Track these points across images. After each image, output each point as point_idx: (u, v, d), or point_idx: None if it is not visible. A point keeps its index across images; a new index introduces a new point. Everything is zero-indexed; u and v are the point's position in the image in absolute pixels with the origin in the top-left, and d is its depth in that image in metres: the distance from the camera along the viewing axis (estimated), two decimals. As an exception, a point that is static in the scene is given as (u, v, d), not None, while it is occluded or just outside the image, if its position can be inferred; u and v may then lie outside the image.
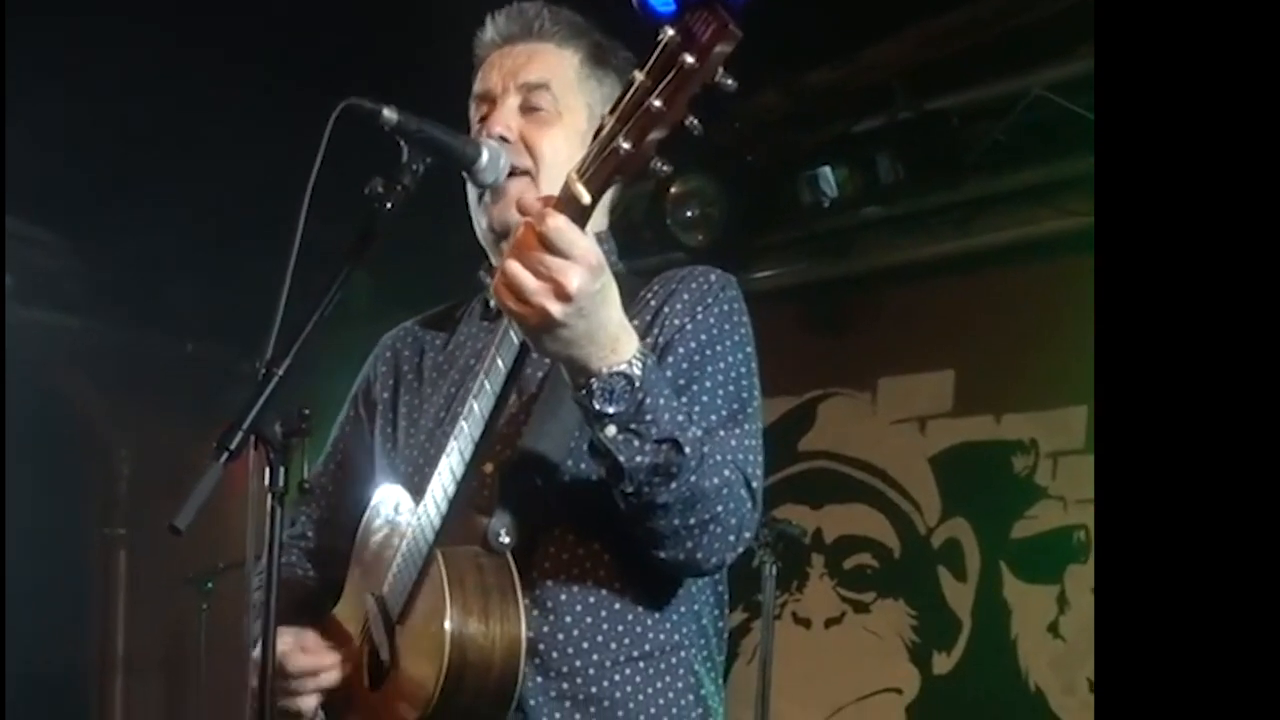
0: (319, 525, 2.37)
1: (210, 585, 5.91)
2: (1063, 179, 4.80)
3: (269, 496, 1.79)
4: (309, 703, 2.11)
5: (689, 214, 5.19)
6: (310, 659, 2.10)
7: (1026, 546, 5.19)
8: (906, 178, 4.96)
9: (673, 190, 5.14)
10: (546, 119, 2.11)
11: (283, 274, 1.86)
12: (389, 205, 1.93)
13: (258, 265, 6.28)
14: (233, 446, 1.74)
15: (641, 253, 5.13)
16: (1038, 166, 4.89)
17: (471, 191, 2.16)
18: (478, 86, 2.17)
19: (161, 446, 7.30)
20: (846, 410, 5.79)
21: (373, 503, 2.17)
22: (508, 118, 2.10)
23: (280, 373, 1.80)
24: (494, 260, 2.19)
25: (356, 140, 1.88)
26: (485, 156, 2.04)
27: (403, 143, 1.96)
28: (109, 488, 7.64)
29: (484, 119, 2.14)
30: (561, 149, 2.09)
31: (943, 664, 5.42)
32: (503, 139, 2.08)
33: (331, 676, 2.12)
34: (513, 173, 2.08)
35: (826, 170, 5.09)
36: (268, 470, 1.79)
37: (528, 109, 2.11)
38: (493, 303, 2.14)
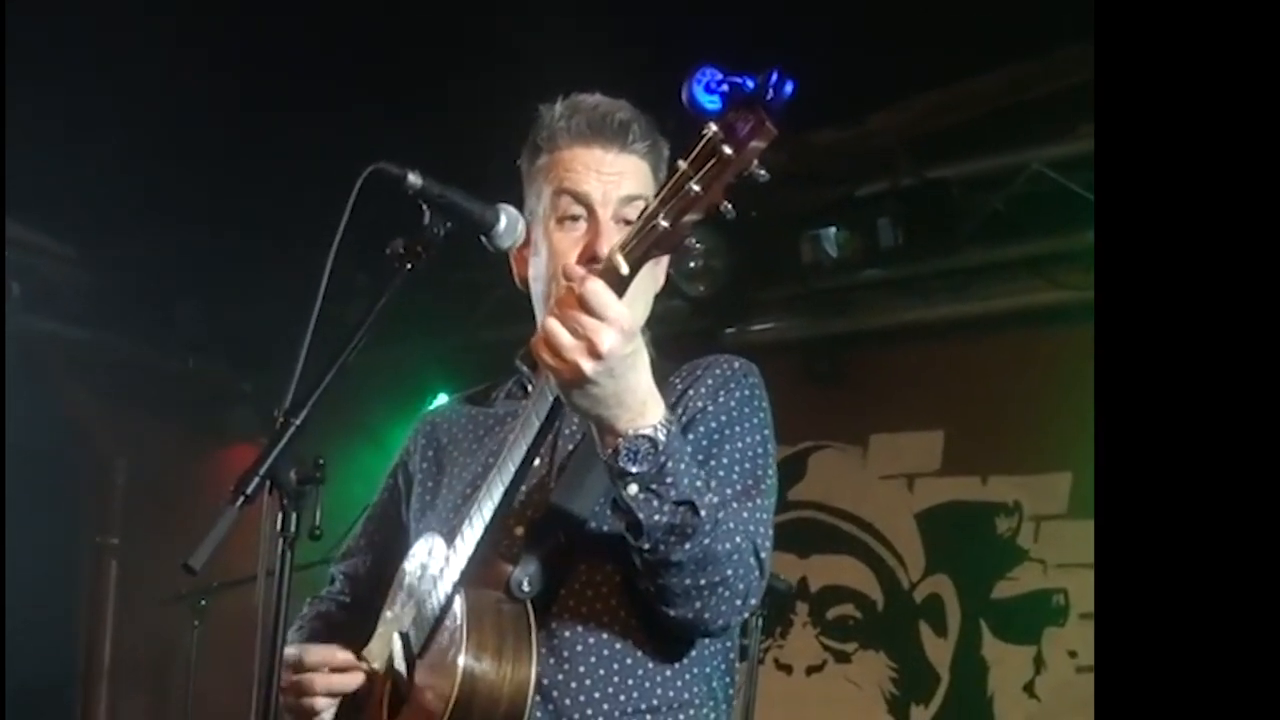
0: (354, 581, 2.51)
1: (204, 602, 5.93)
2: (1057, 253, 4.91)
3: (280, 541, 1.87)
4: (322, 703, 2.21)
5: (692, 264, 5.27)
6: (326, 652, 2.22)
7: (1006, 607, 5.27)
8: (906, 243, 5.04)
9: (677, 241, 5.20)
10: None
11: (290, 303, 1.96)
12: (410, 267, 2.03)
13: (263, 286, 6.36)
14: (249, 492, 1.83)
15: (643, 300, 5.21)
16: (1033, 240, 4.99)
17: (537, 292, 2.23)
18: (569, 182, 2.18)
19: (158, 459, 7.39)
20: (837, 463, 5.86)
21: (411, 550, 2.28)
22: (612, 239, 2.11)
23: (298, 422, 1.89)
24: None
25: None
26: (503, 222, 2.12)
27: (425, 206, 2.05)
28: (104, 497, 7.71)
29: (570, 219, 2.18)
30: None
31: (920, 717, 5.48)
32: None
33: (346, 678, 2.22)
34: None
35: (829, 231, 5.17)
36: (280, 516, 1.87)
37: (621, 221, 2.16)
38: (530, 386, 2.29)
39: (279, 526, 1.88)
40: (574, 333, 1.76)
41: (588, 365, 1.75)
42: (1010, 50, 4.58)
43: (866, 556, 5.73)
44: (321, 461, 1.91)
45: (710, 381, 2.17)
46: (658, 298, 2.28)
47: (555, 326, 1.77)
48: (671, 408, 2.07)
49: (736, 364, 2.22)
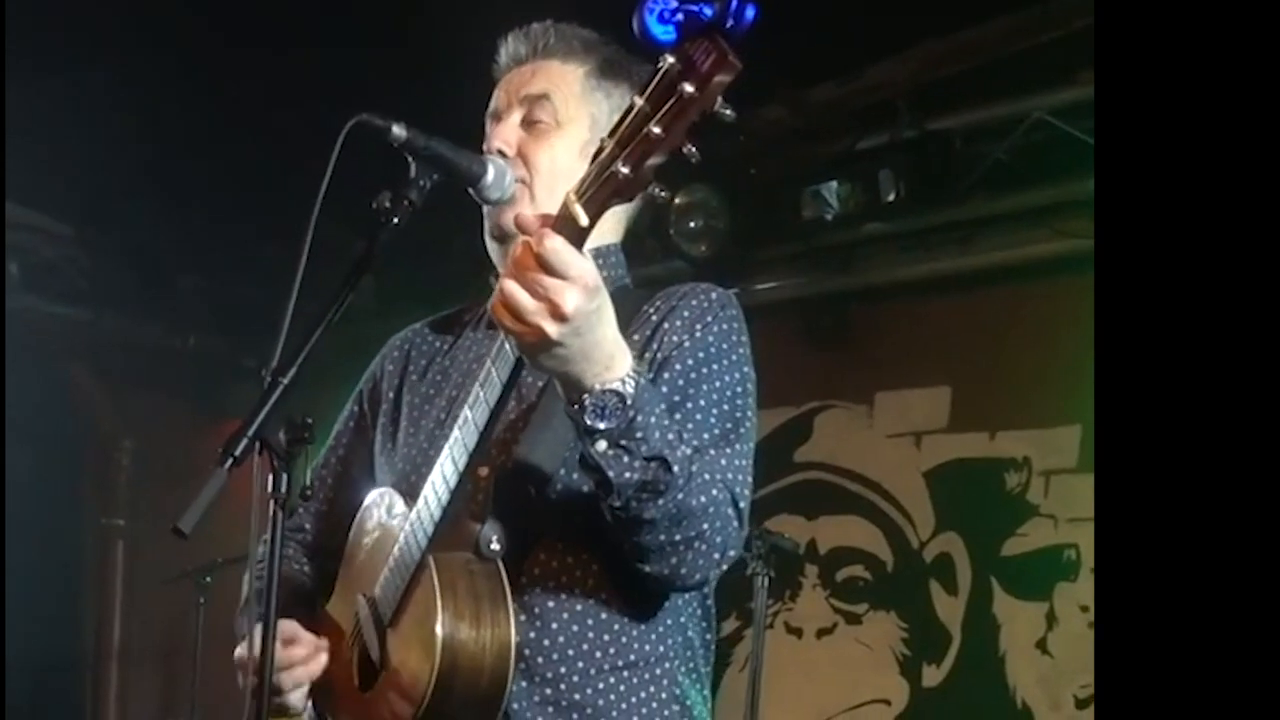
0: (317, 518, 2.40)
1: (209, 579, 5.91)
2: (1061, 201, 4.84)
3: (271, 502, 1.82)
4: (295, 697, 2.14)
5: (692, 225, 5.22)
6: (287, 652, 2.10)
7: (1017, 563, 5.22)
8: (908, 195, 4.98)
9: (677, 201, 5.17)
10: (545, 130, 2.15)
11: (290, 277, 1.90)
12: (395, 220, 1.97)
13: (262, 260, 6.34)
14: (237, 453, 1.79)
15: (644, 262, 5.17)
16: (1037, 189, 4.93)
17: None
18: (490, 106, 2.23)
19: (162, 438, 7.36)
20: (843, 423, 5.81)
21: (365, 503, 2.21)
22: (507, 133, 2.15)
23: (286, 381, 1.85)
24: (496, 263, 2.23)
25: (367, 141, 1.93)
26: (491, 174, 2.08)
27: (411, 158, 2.00)
28: (109, 478, 7.67)
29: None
30: (560, 159, 2.14)
31: (932, 677, 5.45)
32: (501, 153, 2.13)
33: (310, 669, 2.13)
34: None
35: (830, 185, 5.11)
36: (270, 477, 1.82)
37: (528, 122, 2.16)
38: None
39: (269, 488, 1.83)
40: (535, 294, 1.67)
41: (552, 328, 1.67)
42: (1008, -2, 4.53)
43: (875, 516, 5.69)
44: (310, 421, 1.86)
45: (686, 314, 2.07)
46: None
47: (514, 289, 1.67)
48: (647, 341, 2.03)
49: (714, 294, 2.12)
